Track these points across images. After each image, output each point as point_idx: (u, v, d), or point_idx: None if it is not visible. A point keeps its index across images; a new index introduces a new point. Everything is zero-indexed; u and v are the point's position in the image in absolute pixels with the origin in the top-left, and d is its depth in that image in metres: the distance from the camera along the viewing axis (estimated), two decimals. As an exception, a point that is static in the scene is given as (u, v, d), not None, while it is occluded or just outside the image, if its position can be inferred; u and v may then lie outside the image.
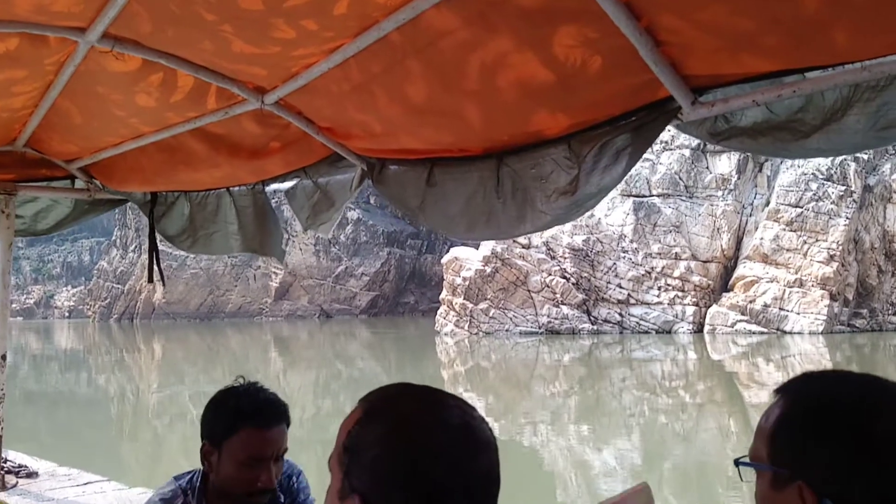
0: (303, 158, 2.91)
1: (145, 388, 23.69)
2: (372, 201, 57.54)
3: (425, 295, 57.12)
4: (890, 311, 34.62)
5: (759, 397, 18.68)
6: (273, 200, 3.51)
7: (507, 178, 2.27)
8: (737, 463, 1.10)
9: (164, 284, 4.19)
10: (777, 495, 1.02)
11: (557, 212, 2.13)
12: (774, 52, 1.65)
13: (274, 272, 55.83)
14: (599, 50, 1.82)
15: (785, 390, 1.08)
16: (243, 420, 1.87)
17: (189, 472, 2.07)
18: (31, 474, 4.56)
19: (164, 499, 1.98)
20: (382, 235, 56.34)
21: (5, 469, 4.32)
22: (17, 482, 4.38)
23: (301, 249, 54.66)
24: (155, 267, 3.87)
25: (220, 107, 2.67)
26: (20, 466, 4.59)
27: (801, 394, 1.06)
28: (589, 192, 2.05)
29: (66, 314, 69.28)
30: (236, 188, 3.45)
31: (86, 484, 4.49)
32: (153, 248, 3.84)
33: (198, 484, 1.99)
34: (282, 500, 2.07)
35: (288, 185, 3.13)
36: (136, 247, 58.91)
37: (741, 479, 1.09)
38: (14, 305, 67.14)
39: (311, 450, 9.76)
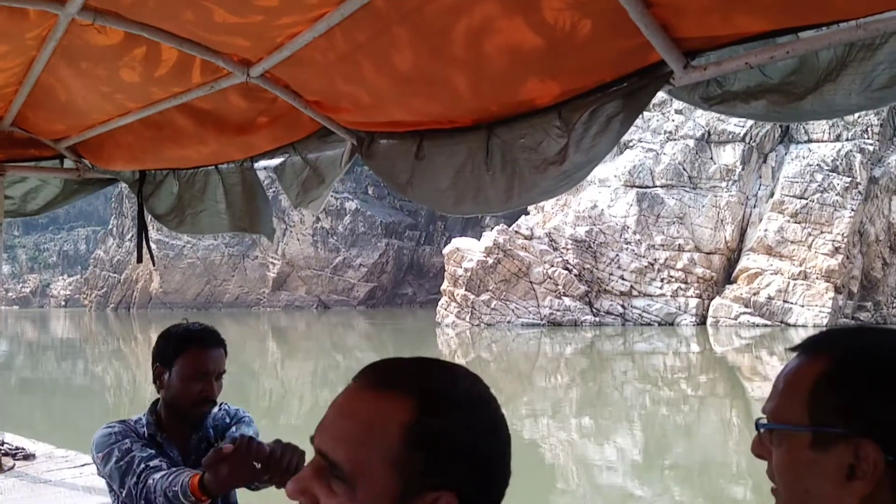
0: (291, 133, 2.88)
1: (142, 378, 23.78)
2: (370, 192, 57.58)
3: (423, 286, 57.22)
4: (894, 304, 34.63)
5: (763, 390, 18.69)
6: (265, 181, 3.48)
7: (497, 149, 2.23)
8: (760, 426, 1.04)
9: (154, 264, 4.18)
10: (819, 457, 0.96)
11: (546, 183, 2.09)
12: (767, 10, 1.61)
13: (272, 262, 55.93)
14: (589, 13, 1.78)
15: (814, 347, 1.03)
16: (190, 343, 2.32)
17: None
18: (29, 456, 4.58)
19: (121, 420, 2.37)
20: (381, 226, 56.36)
21: (2, 451, 4.34)
22: (15, 464, 4.39)
23: (299, 240, 54.72)
24: (145, 247, 3.83)
25: (206, 81, 2.64)
26: (17, 449, 4.61)
27: (844, 348, 1.00)
28: (578, 162, 2.01)
29: (63, 303, 69.52)
30: (224, 165, 3.41)
31: (83, 465, 4.50)
32: (142, 227, 3.81)
33: (150, 408, 2.40)
34: (227, 421, 2.46)
35: (276, 161, 3.10)
36: (132, 235, 58.87)
37: (770, 443, 1.02)
38: (10, 294, 67.60)
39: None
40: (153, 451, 2.22)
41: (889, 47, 1.54)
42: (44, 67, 2.75)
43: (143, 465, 2.14)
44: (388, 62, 2.19)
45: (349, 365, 25.95)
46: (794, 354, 1.04)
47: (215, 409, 2.44)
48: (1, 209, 3.99)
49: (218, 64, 2.48)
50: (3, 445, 4.41)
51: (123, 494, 2.18)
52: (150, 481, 2.08)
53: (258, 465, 1.96)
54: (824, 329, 1.07)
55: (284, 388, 20.79)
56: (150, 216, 3.77)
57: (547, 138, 2.07)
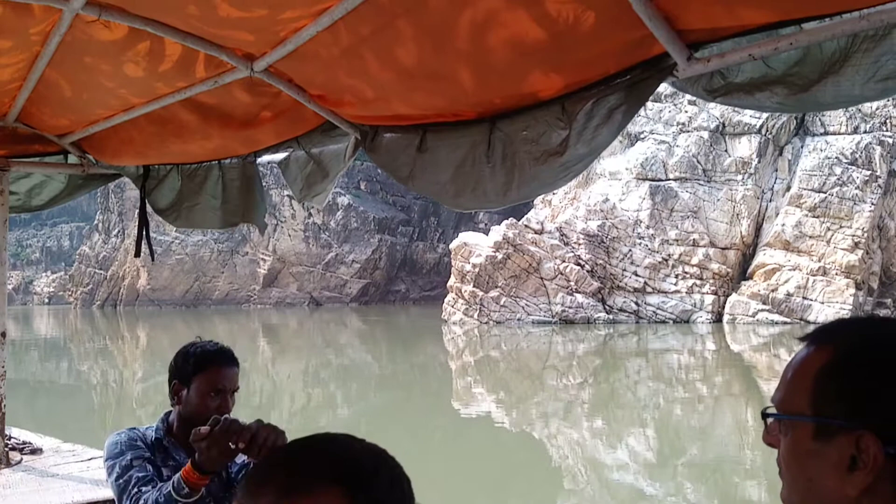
0: (295, 128, 2.93)
1: (129, 376, 23.96)
2: (363, 187, 57.49)
3: (416, 283, 57.27)
4: (915, 300, 34.45)
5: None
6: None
7: (499, 142, 2.27)
8: (766, 415, 1.06)
9: (153, 259, 4.24)
10: (821, 448, 0.99)
11: (545, 175, 2.14)
12: (771, 1, 1.65)
13: (262, 258, 55.97)
14: (592, 5, 1.82)
15: (821, 337, 1.05)
16: (208, 361, 2.47)
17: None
18: (35, 451, 4.66)
19: (130, 428, 2.52)
20: (373, 222, 56.26)
21: (9, 446, 4.42)
22: (22, 458, 4.47)
23: (290, 235, 54.70)
24: (144, 242, 3.90)
25: (210, 75, 2.69)
26: (24, 443, 4.69)
27: (848, 339, 1.02)
28: (578, 154, 2.06)
29: (46, 300, 69.95)
30: (227, 160, 3.47)
31: (89, 460, 4.58)
32: (143, 222, 3.88)
33: (161, 418, 2.55)
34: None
35: (280, 156, 3.15)
36: (118, 231, 59.20)
37: (778, 432, 1.05)
38: None
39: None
40: (151, 471, 2.38)
41: (893, 38, 1.57)
42: (48, 63, 2.81)
43: (136, 489, 2.30)
44: (392, 56, 2.24)
45: (341, 363, 26.04)
46: (804, 344, 1.06)
47: None
48: (6, 205, 4.06)
49: (222, 58, 2.54)
50: (10, 440, 4.50)
51: None
52: (142, 501, 2.25)
53: (240, 445, 2.18)
54: (835, 320, 1.10)
55: (275, 387, 20.89)
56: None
57: (549, 130, 2.12)
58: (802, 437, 1.01)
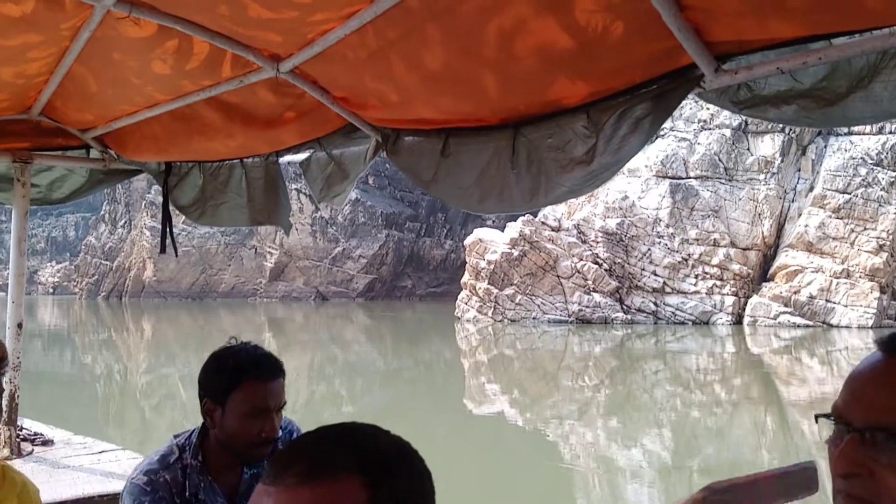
0: (317, 129, 2.99)
1: (133, 368, 24.18)
2: (371, 182, 57.56)
3: (423, 279, 57.38)
4: (940, 306, 34.13)
5: (801, 394, 18.58)
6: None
7: (523, 148, 2.32)
8: (871, 430, 0.96)
9: (176, 255, 4.33)
10: None
11: (572, 183, 2.18)
12: (801, 16, 1.67)
13: (269, 252, 56.29)
14: (621, 15, 1.86)
15: None
16: (246, 374, 2.04)
17: (188, 431, 2.21)
18: (47, 442, 4.74)
19: (161, 453, 2.13)
20: (381, 217, 56.44)
21: (21, 437, 4.51)
22: (33, 450, 4.56)
23: (297, 229, 54.83)
24: (168, 238, 3.98)
25: (236, 75, 2.75)
26: (36, 434, 4.77)
27: None
28: (605, 163, 2.10)
29: (51, 290, 70.71)
30: (249, 159, 3.54)
31: (100, 452, 4.66)
32: (167, 218, 3.95)
33: (194, 440, 2.14)
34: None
35: (302, 156, 3.22)
36: (125, 222, 59.73)
37: (871, 457, 0.95)
38: None
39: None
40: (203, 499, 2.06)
41: (922, 55, 1.61)
42: (76, 58, 2.88)
43: None
44: (419, 60, 2.29)
45: (346, 359, 26.13)
46: (886, 357, 1.02)
47: None
48: (27, 197, 4.15)
49: (248, 58, 2.59)
50: (21, 431, 4.59)
51: None
52: None
53: None
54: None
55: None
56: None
57: (574, 138, 2.16)
58: None
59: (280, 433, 2.15)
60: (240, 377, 2.04)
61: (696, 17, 1.78)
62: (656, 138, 36.33)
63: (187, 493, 2.08)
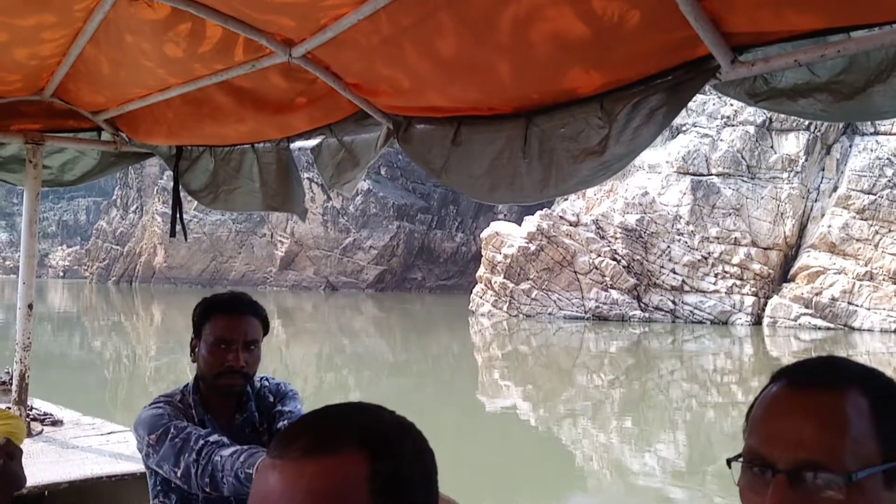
0: (328, 115, 3.00)
1: (143, 353, 24.43)
2: (383, 172, 57.67)
3: (433, 272, 57.52)
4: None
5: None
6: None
7: (535, 138, 2.32)
8: (850, 478, 0.95)
9: (186, 239, 4.37)
10: (894, 496, 0.96)
11: (584, 173, 2.18)
12: (820, 8, 1.66)
13: (280, 240, 56.61)
14: (638, 4, 1.85)
15: (835, 381, 1.01)
16: (214, 309, 2.38)
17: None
18: (56, 422, 4.80)
19: (165, 394, 2.42)
20: (392, 208, 56.54)
21: (31, 416, 4.57)
22: (43, 429, 4.62)
23: (308, 218, 54.57)
24: (178, 223, 4.02)
25: (248, 59, 2.77)
26: (45, 415, 4.83)
27: (870, 381, 1.02)
28: (618, 153, 2.09)
29: (61, 273, 71.75)
30: (261, 144, 3.56)
31: (109, 433, 4.71)
32: (177, 203, 3.99)
33: (193, 383, 2.44)
34: (270, 399, 2.50)
35: (313, 142, 3.23)
36: (136, 207, 60.34)
37: (821, 495, 0.96)
38: (7, 263, 69.42)
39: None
40: (210, 429, 2.22)
41: (942, 50, 1.59)
42: (89, 40, 2.90)
43: (202, 442, 2.10)
44: (432, 47, 2.29)
45: (355, 349, 26.23)
46: (811, 391, 1.02)
47: (257, 385, 2.47)
48: (39, 178, 4.19)
49: (261, 43, 2.61)
50: (31, 411, 4.66)
51: (179, 473, 2.12)
52: (217, 458, 2.03)
53: None
54: (797, 362, 1.08)
55: (288, 370, 21.15)
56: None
57: (587, 128, 2.16)
58: (874, 490, 0.96)
59: (268, 383, 2.50)
60: (209, 313, 2.37)
61: (714, 7, 1.77)
62: (678, 133, 36.12)
63: (196, 420, 2.32)
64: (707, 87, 1.96)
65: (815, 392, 1.01)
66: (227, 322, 2.33)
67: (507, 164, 2.41)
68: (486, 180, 2.48)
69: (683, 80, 1.95)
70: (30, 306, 4.26)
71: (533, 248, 35.74)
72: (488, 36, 2.16)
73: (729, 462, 1.05)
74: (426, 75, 2.48)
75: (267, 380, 2.55)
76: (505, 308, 35.86)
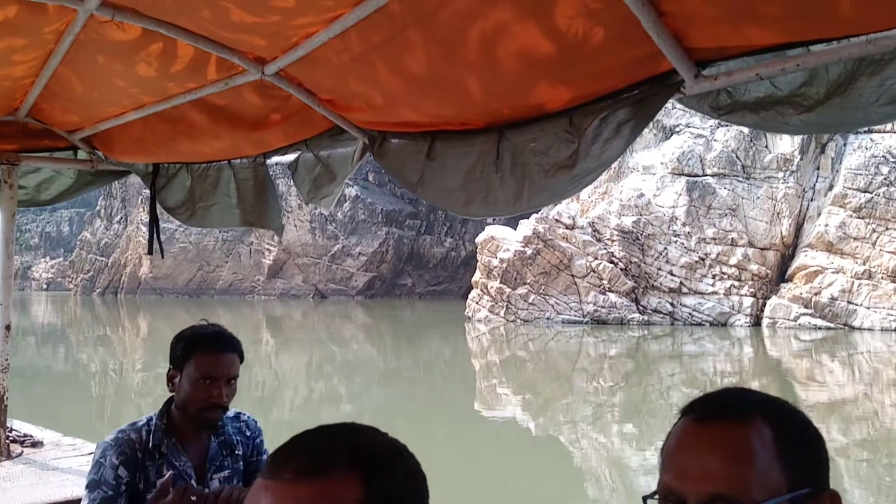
0: (304, 131, 3.04)
1: (129, 366, 24.37)
2: (371, 178, 57.70)
3: (423, 277, 57.60)
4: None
5: (819, 399, 18.50)
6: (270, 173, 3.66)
7: (507, 152, 2.36)
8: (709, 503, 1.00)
9: (162, 256, 4.40)
10: None
11: (556, 187, 2.22)
12: (778, 23, 1.70)
13: (267, 249, 56.55)
14: (601, 21, 1.89)
15: (741, 413, 1.05)
16: (198, 346, 2.43)
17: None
18: (36, 444, 4.80)
19: (134, 421, 2.50)
20: (381, 214, 56.64)
21: (10, 438, 4.57)
22: (23, 451, 4.62)
23: (296, 226, 54.98)
24: (155, 240, 4.05)
25: (221, 77, 2.80)
26: (25, 436, 4.84)
27: (773, 411, 1.05)
28: (588, 167, 2.13)
29: (45, 286, 71.51)
30: (237, 161, 3.60)
31: (89, 454, 4.72)
32: (154, 220, 4.02)
33: (162, 408, 2.52)
34: (248, 433, 2.62)
35: (289, 158, 3.27)
36: (121, 218, 60.14)
37: None
38: None
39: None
40: (161, 461, 2.39)
41: (898, 63, 1.63)
42: (61, 60, 2.93)
43: None
44: (402, 64, 2.33)
45: (345, 357, 26.21)
46: (706, 423, 1.05)
47: (231, 416, 2.59)
48: (15, 199, 4.21)
49: (233, 61, 2.64)
50: (11, 432, 4.66)
51: None
52: None
53: None
54: (703, 395, 1.11)
55: (278, 380, 21.13)
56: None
57: (557, 143, 2.20)
58: None
59: (232, 413, 2.58)
60: (194, 348, 2.42)
61: (675, 23, 1.80)
62: (672, 134, 36.21)
63: (150, 446, 2.41)
64: (672, 101, 1.99)
65: (721, 424, 1.04)
66: (212, 360, 2.41)
67: (480, 178, 2.45)
68: (460, 194, 2.52)
69: (649, 94, 1.99)
70: (7, 327, 4.27)
71: (529, 251, 35.75)
72: (457, 52, 2.19)
73: (645, 500, 1.09)
74: (398, 91, 2.51)
75: (244, 414, 2.68)
76: (502, 313, 35.83)
